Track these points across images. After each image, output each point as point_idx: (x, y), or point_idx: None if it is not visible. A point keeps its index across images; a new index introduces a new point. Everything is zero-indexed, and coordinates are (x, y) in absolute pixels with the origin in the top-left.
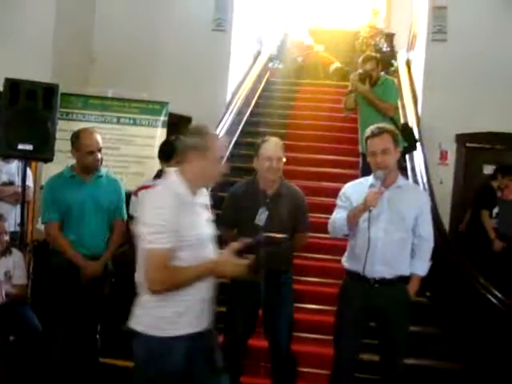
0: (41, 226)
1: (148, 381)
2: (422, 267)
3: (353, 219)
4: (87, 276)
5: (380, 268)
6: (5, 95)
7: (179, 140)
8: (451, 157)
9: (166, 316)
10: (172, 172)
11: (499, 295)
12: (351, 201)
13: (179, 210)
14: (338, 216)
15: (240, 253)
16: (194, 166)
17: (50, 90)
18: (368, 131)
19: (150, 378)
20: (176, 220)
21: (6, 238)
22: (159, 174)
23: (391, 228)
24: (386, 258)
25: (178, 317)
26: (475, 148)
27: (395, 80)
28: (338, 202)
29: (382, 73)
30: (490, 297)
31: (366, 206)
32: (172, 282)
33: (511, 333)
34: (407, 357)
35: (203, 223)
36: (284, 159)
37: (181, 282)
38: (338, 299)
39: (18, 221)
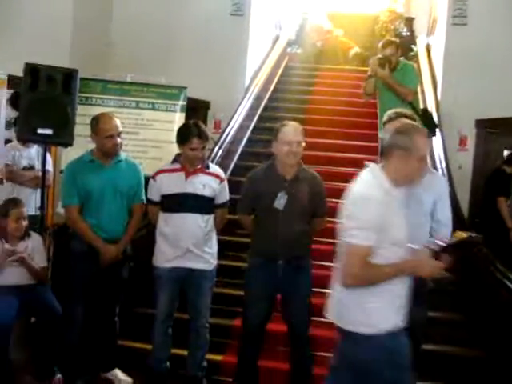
0: (61, 210)
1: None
2: None
3: None
4: (106, 260)
5: None
6: (25, 80)
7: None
8: (471, 142)
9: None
10: (376, 168)
11: None
12: None
13: (386, 206)
14: None
15: (436, 253)
16: (399, 165)
17: (69, 74)
18: (386, 116)
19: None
20: (382, 217)
21: (25, 223)
22: (177, 159)
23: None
24: None
25: (387, 311)
26: (495, 133)
27: (415, 65)
28: None
29: (402, 58)
30: (507, 282)
31: None
32: (368, 278)
33: None
34: (427, 342)
35: (404, 221)
36: (303, 144)
37: (376, 280)
38: None
39: (38, 205)
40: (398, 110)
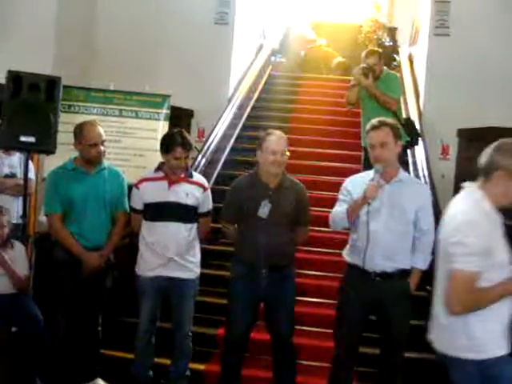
0: (43, 218)
1: None
2: (423, 261)
3: (352, 212)
4: (89, 268)
5: (380, 261)
6: (7, 88)
7: (482, 157)
8: (453, 151)
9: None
10: (473, 189)
11: None
12: (352, 195)
13: (489, 229)
14: (339, 209)
15: None
16: (500, 187)
17: (52, 82)
18: (369, 124)
19: None
20: (487, 241)
21: (6, 230)
22: (160, 167)
23: (392, 222)
24: (386, 251)
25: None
26: (477, 142)
27: (398, 75)
28: (340, 195)
29: (385, 67)
30: None
31: (365, 199)
32: (475, 304)
33: None
34: (409, 350)
35: (504, 242)
36: (287, 153)
37: (483, 304)
38: (338, 292)
39: (20, 213)
40: (382, 118)
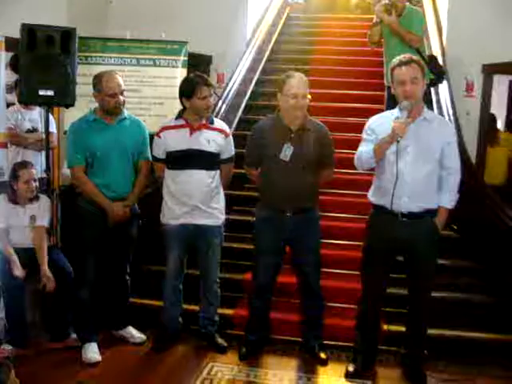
0: (66, 171)
1: None
2: (449, 200)
3: (380, 151)
4: (114, 218)
5: (407, 201)
6: (22, 42)
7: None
8: (478, 88)
9: None
10: None
11: None
12: (377, 134)
13: None
14: (365, 149)
15: None
16: None
17: (67, 33)
18: (395, 61)
19: None
20: None
21: (36, 184)
22: (181, 115)
23: (419, 160)
24: (413, 191)
25: None
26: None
27: (421, 10)
28: (364, 135)
29: (407, 3)
30: None
31: (394, 136)
32: None
33: None
34: (437, 290)
35: None
36: (309, 96)
37: None
38: (364, 233)
39: (44, 167)
40: (408, 55)
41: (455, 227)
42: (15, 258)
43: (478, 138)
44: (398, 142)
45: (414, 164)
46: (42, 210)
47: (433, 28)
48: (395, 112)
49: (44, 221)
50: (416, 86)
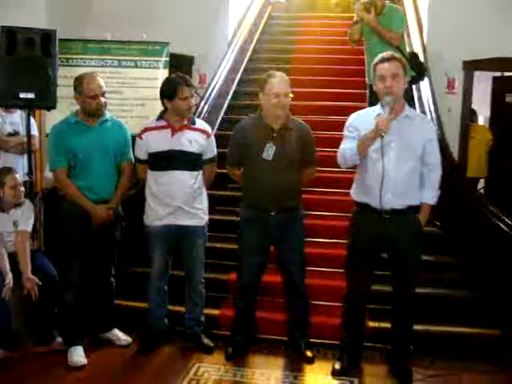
0: (49, 174)
1: None
2: (431, 196)
3: (363, 147)
4: (97, 220)
5: (390, 198)
6: (2, 44)
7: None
8: (459, 85)
9: None
10: None
11: (510, 222)
12: (359, 131)
13: None
14: (349, 146)
15: None
16: None
17: (47, 36)
18: (377, 57)
19: None
20: None
21: (22, 189)
22: (162, 116)
23: (401, 157)
24: (397, 187)
25: None
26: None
27: (400, 8)
28: (346, 132)
29: (387, 1)
30: (500, 224)
31: (378, 132)
32: None
33: None
34: (421, 286)
35: None
36: (291, 95)
37: None
38: (348, 231)
39: (26, 170)
40: (390, 52)
41: (438, 223)
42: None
43: (459, 135)
44: (381, 137)
45: (396, 161)
46: (25, 215)
47: (413, 25)
48: (377, 109)
49: (26, 225)
50: (396, 82)
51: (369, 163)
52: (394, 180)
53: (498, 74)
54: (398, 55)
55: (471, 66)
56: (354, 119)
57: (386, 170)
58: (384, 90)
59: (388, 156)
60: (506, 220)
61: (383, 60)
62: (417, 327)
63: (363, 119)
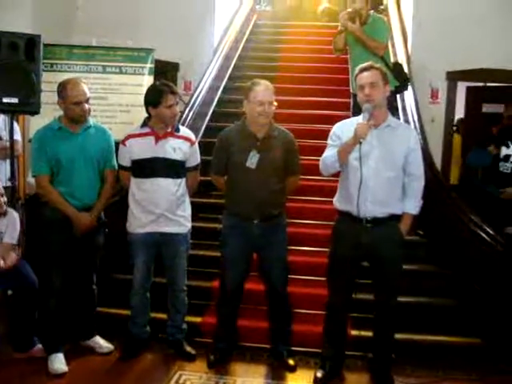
0: (31, 180)
1: None
2: (413, 206)
3: (343, 153)
4: (80, 227)
5: (372, 207)
6: None
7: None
8: (442, 95)
9: None
10: None
11: (491, 231)
12: (342, 139)
13: None
14: (330, 153)
15: None
16: None
17: (31, 41)
18: (357, 68)
19: None
20: None
21: (4, 199)
22: (146, 123)
23: (382, 166)
24: (377, 196)
25: None
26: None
27: (385, 18)
28: (329, 141)
29: (372, 11)
30: (481, 233)
31: (356, 138)
32: None
33: (504, 268)
34: (402, 294)
35: None
36: (275, 103)
37: None
38: (330, 240)
39: (9, 176)
40: (370, 62)
41: (421, 232)
42: None
43: (442, 144)
44: (360, 143)
45: (376, 169)
46: (10, 227)
47: (398, 35)
48: (360, 118)
49: (12, 238)
50: (374, 91)
51: (350, 171)
52: (373, 188)
53: (471, 84)
54: (376, 65)
55: (455, 77)
56: (337, 128)
57: (365, 179)
58: (364, 99)
59: (367, 165)
60: (487, 229)
61: (362, 70)
62: (398, 336)
63: (346, 128)
